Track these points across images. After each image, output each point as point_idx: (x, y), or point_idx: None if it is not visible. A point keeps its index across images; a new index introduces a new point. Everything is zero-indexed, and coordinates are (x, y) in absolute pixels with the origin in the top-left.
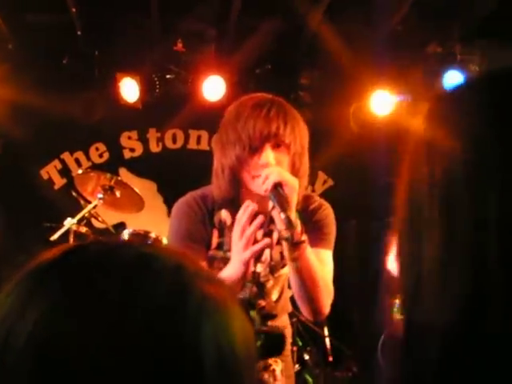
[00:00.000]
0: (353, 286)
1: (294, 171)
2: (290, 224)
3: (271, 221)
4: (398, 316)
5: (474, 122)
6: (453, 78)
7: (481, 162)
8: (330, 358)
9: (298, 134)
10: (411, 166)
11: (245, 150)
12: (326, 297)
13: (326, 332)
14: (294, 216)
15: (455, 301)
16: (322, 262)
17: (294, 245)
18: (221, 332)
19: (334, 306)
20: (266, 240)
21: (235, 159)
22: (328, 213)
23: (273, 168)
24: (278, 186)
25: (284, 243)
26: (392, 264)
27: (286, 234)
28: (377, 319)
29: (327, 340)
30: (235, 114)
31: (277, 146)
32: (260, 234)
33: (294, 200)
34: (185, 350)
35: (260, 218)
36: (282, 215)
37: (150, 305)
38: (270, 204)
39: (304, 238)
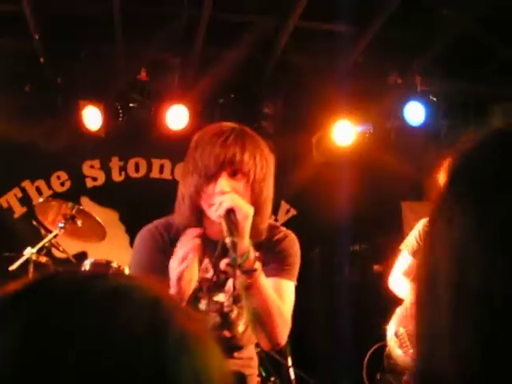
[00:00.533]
0: (317, 314)
1: (253, 199)
2: (234, 249)
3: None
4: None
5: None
6: (413, 109)
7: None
8: None
9: (259, 162)
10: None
11: (201, 177)
12: (282, 327)
13: (289, 362)
14: (246, 243)
15: (466, 360)
16: (282, 292)
17: (246, 272)
18: (200, 369)
19: (297, 335)
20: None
21: (193, 187)
22: (293, 244)
23: (227, 195)
24: (230, 212)
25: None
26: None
27: (239, 261)
28: (341, 348)
29: (291, 370)
30: (195, 143)
31: (233, 173)
32: (223, 263)
33: (246, 227)
34: None
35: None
36: (227, 239)
37: (128, 340)
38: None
39: (257, 266)
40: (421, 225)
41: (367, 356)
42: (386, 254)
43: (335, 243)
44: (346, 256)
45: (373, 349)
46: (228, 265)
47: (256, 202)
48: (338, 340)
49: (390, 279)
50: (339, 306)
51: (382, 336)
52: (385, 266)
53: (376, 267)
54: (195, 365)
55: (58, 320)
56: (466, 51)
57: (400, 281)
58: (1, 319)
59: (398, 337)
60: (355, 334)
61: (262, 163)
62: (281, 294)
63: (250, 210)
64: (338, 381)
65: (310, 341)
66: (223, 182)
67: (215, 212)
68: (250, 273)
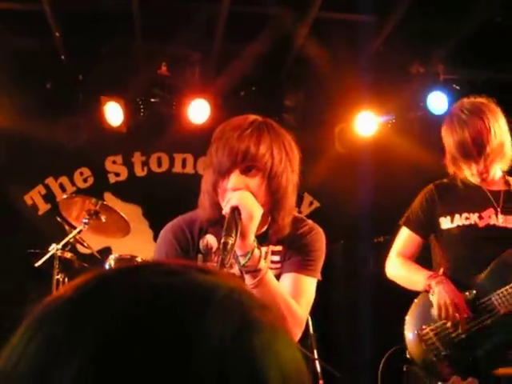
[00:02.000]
0: (341, 307)
1: (271, 193)
2: (225, 249)
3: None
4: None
5: None
6: (436, 99)
7: None
8: (321, 382)
9: (277, 155)
10: None
11: (215, 173)
12: (292, 325)
13: (315, 355)
14: (250, 242)
15: None
16: (300, 289)
17: (250, 272)
18: (284, 363)
19: (322, 328)
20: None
21: (210, 183)
22: (318, 237)
23: (236, 192)
24: (235, 211)
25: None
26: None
27: (242, 261)
28: (365, 341)
29: (317, 363)
30: (213, 138)
31: (247, 169)
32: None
33: (250, 226)
34: None
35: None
36: (222, 239)
37: (216, 347)
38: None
39: (262, 265)
40: (426, 194)
41: (383, 359)
42: None
43: (359, 235)
44: (370, 248)
45: (387, 353)
46: (238, 266)
47: (274, 197)
48: (362, 333)
49: (386, 265)
50: (364, 298)
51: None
52: None
53: None
54: (280, 360)
55: (128, 333)
56: (490, 39)
57: (393, 263)
58: (67, 336)
59: (421, 338)
60: (380, 326)
61: (281, 156)
62: (299, 291)
63: (257, 211)
64: (363, 374)
65: (335, 334)
66: (235, 179)
67: (224, 209)
68: (254, 272)
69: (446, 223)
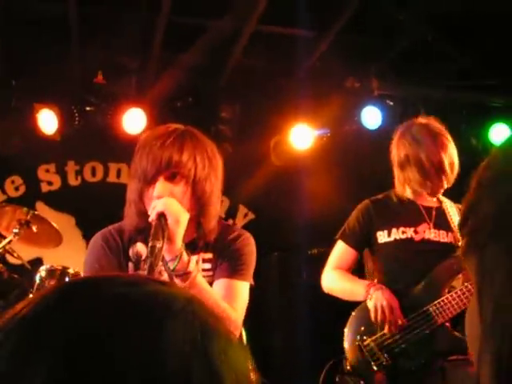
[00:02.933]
0: (275, 317)
1: (195, 199)
2: (152, 253)
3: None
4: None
5: None
6: (370, 113)
7: None
8: None
9: (200, 162)
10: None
11: (140, 182)
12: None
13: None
14: (178, 246)
15: None
16: (234, 293)
17: (180, 276)
18: (239, 370)
19: (256, 338)
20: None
21: (135, 193)
22: (247, 243)
23: (161, 199)
24: (161, 217)
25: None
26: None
27: (171, 265)
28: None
29: None
30: (137, 148)
31: (172, 176)
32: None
33: (178, 231)
34: None
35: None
36: (150, 243)
37: (179, 351)
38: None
39: (191, 268)
40: (363, 209)
41: (324, 371)
42: None
43: (293, 247)
44: (305, 260)
45: (327, 365)
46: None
47: (199, 202)
48: (298, 345)
49: (322, 278)
50: (299, 309)
51: (341, 339)
52: None
53: None
54: (234, 364)
55: (98, 337)
56: (423, 56)
57: (330, 276)
58: (37, 337)
59: (362, 348)
60: (316, 337)
61: (204, 163)
62: (232, 296)
63: (183, 216)
64: (295, 381)
65: (267, 344)
66: (160, 186)
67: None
68: (183, 276)
69: (383, 237)
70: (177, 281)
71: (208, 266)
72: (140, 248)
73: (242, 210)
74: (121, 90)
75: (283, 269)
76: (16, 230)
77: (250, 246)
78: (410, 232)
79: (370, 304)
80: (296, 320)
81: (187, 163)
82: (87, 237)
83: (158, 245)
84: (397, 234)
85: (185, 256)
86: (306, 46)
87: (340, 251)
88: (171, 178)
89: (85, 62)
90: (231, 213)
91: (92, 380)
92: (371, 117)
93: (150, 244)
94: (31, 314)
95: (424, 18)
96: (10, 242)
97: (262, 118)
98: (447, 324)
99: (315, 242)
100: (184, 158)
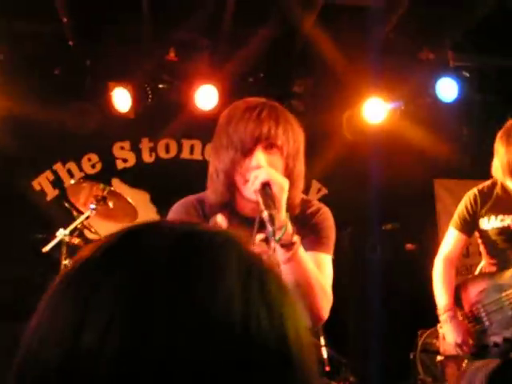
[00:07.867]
0: (349, 294)
1: (288, 173)
2: (272, 222)
3: (263, 224)
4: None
5: None
6: (446, 86)
7: None
8: (327, 368)
9: (292, 137)
10: None
11: (237, 152)
12: (324, 301)
13: (322, 342)
14: (283, 216)
15: None
16: (320, 265)
17: (285, 246)
18: (295, 316)
19: (330, 315)
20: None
21: (228, 162)
22: (326, 217)
23: (262, 169)
24: (266, 186)
25: (276, 245)
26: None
27: (278, 234)
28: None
29: (324, 350)
30: (227, 118)
31: (269, 147)
32: (259, 238)
33: (283, 200)
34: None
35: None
36: (265, 213)
37: (228, 296)
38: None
39: (295, 239)
40: (470, 194)
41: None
42: (418, 232)
43: (367, 222)
44: (378, 235)
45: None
46: (264, 240)
47: (290, 176)
48: (369, 319)
49: (434, 264)
50: (371, 284)
51: (413, 316)
52: (417, 245)
53: (408, 246)
54: (292, 312)
55: (163, 279)
56: (499, 25)
57: (437, 268)
58: (105, 275)
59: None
60: (387, 313)
61: (295, 138)
62: (320, 268)
63: (286, 183)
64: (369, 361)
65: (342, 321)
66: (259, 156)
67: (251, 187)
68: (289, 246)
69: (484, 224)
70: (281, 251)
71: None
72: (220, 220)
73: (315, 185)
74: (193, 67)
75: (357, 244)
76: (93, 206)
77: (329, 220)
78: (507, 220)
79: (442, 331)
80: (368, 296)
81: (282, 137)
82: (162, 212)
83: (274, 213)
84: (495, 221)
85: (289, 226)
86: (378, 18)
87: (452, 238)
88: (269, 149)
89: (157, 40)
90: (304, 188)
91: (157, 312)
92: (447, 89)
93: (266, 213)
94: (94, 255)
95: None
96: (87, 218)
97: (334, 92)
98: None
99: (389, 217)
100: (280, 131)
